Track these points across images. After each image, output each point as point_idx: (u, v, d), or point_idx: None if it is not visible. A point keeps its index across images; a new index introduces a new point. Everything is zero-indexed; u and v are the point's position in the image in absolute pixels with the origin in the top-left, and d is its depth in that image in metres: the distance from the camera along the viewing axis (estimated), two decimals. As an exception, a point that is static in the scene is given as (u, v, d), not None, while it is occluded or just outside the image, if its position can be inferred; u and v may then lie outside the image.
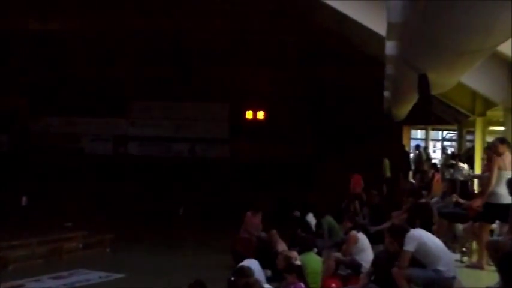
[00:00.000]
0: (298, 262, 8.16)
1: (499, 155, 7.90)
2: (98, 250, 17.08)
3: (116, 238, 17.39)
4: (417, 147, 23.26)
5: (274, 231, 10.80)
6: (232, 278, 7.11)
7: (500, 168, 7.82)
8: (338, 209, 15.32)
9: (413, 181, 19.20)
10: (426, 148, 23.52)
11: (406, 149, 23.67)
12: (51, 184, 25.00)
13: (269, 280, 8.36)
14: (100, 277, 14.28)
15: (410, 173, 21.99)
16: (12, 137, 27.14)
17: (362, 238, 9.50)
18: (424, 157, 22.01)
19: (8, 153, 26.82)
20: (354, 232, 9.55)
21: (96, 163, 25.95)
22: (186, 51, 25.14)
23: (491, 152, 8.26)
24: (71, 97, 25.91)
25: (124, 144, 27.04)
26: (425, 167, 19.83)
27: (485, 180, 8.42)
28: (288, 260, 8.04)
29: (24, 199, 21.99)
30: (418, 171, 21.00)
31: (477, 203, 8.31)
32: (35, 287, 13.25)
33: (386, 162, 21.10)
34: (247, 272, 7.22)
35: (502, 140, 8.11)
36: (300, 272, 7.78)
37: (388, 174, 21.20)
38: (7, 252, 14.91)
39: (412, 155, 23.45)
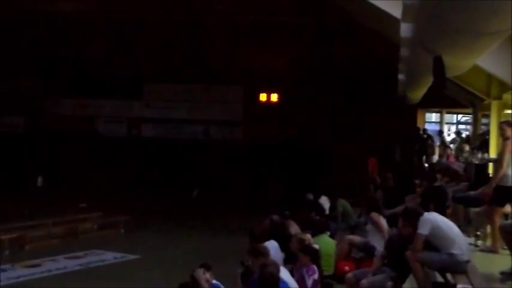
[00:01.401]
0: (316, 246, 8.17)
1: (507, 138, 7.86)
2: (113, 231, 17.26)
3: (131, 219, 17.55)
4: (424, 131, 23.09)
5: (287, 214, 10.81)
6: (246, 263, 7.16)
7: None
8: (352, 191, 15.36)
9: (426, 165, 19.16)
10: (441, 132, 23.34)
11: (421, 132, 23.54)
12: (66, 165, 25.22)
13: (283, 262, 8.40)
14: (115, 258, 14.44)
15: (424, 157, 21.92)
16: (28, 118, 27.33)
17: (383, 222, 9.49)
18: (438, 141, 21.87)
19: (23, 135, 27.04)
20: (374, 213, 9.48)
21: (110, 145, 26.09)
22: (200, 34, 25.10)
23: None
24: (86, 79, 26.00)
25: (138, 126, 27.14)
26: (440, 151, 19.72)
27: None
28: (302, 242, 8.07)
29: (39, 180, 22.25)
30: (427, 154, 20.97)
31: (489, 189, 8.25)
32: (51, 266, 13.43)
33: (397, 146, 21.02)
34: (263, 250, 7.26)
35: (509, 123, 8.07)
36: (315, 256, 7.80)
37: (398, 158, 21.12)
38: (24, 233, 15.13)
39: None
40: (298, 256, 7.84)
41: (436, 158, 18.77)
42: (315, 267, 7.60)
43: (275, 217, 10.29)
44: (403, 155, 21.07)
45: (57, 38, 25.72)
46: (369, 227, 9.52)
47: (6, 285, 11.96)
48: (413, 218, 6.73)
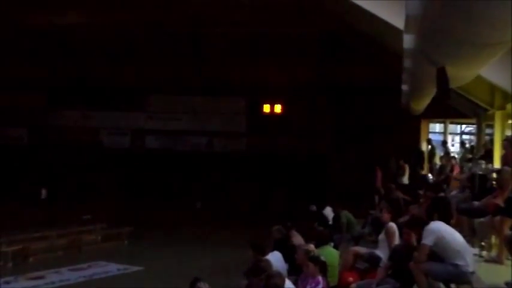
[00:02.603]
0: (323, 258, 8.12)
1: None
2: (116, 243, 17.25)
3: (134, 231, 17.53)
4: (428, 141, 23.05)
5: (290, 225, 10.80)
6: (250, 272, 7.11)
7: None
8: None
9: (430, 175, 19.10)
10: (445, 142, 23.30)
11: (420, 145, 23.50)
12: (70, 177, 25.24)
13: (287, 273, 8.35)
14: (118, 269, 14.42)
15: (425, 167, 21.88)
16: (32, 130, 27.41)
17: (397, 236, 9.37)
18: (441, 151, 21.81)
19: (27, 147, 27.10)
20: (392, 224, 9.38)
21: (113, 156, 26.13)
22: (204, 45, 25.17)
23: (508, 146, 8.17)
24: (90, 91, 26.09)
25: (142, 137, 27.18)
26: (444, 161, 19.67)
27: (504, 174, 8.34)
28: (308, 253, 8.03)
29: (43, 192, 22.28)
30: (431, 164, 20.93)
31: (498, 200, 8.20)
32: (55, 278, 13.41)
33: (392, 160, 20.99)
34: (266, 266, 7.23)
35: None
36: (323, 268, 7.76)
37: (393, 169, 21.08)
38: (28, 244, 15.12)
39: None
40: (306, 265, 7.78)
41: (405, 178, 18.76)
42: (320, 279, 7.55)
43: (278, 228, 10.27)
44: (398, 167, 21.00)
45: (61, 50, 25.83)
46: (381, 236, 9.43)
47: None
48: (418, 226, 6.70)
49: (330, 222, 13.01)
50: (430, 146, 22.62)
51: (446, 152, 21.06)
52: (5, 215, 18.43)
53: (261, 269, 7.02)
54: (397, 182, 18.27)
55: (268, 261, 7.56)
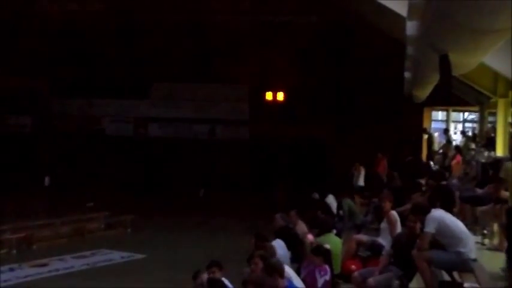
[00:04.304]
0: (327, 246, 8.15)
1: None
2: (120, 230, 17.33)
3: (137, 219, 17.60)
4: (424, 130, 22.97)
5: (293, 212, 10.80)
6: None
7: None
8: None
9: (432, 163, 19.09)
10: (447, 130, 23.29)
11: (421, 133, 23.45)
12: (73, 165, 25.28)
13: (289, 261, 8.39)
14: (122, 257, 14.49)
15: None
16: (35, 118, 27.43)
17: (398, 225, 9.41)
18: (443, 139, 21.80)
19: (30, 135, 27.13)
20: (393, 212, 9.38)
21: (116, 144, 26.15)
22: (207, 33, 25.10)
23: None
24: (92, 79, 26.07)
25: (144, 125, 27.20)
26: (445, 149, 19.66)
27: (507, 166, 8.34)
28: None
29: (47, 179, 22.31)
30: (431, 153, 20.93)
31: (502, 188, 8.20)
32: (59, 266, 13.49)
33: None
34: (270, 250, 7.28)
35: None
36: (327, 256, 7.79)
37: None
38: (32, 232, 15.20)
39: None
40: (310, 258, 7.82)
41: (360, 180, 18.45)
42: (327, 268, 7.59)
43: (281, 215, 10.28)
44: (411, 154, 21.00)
45: (64, 38, 25.78)
46: (383, 225, 9.45)
47: (14, 284, 12.04)
48: (421, 213, 6.71)
49: (333, 210, 13.02)
50: (427, 135, 22.58)
51: (448, 140, 21.07)
52: (9, 203, 18.52)
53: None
54: (352, 186, 17.85)
55: (272, 247, 7.59)
